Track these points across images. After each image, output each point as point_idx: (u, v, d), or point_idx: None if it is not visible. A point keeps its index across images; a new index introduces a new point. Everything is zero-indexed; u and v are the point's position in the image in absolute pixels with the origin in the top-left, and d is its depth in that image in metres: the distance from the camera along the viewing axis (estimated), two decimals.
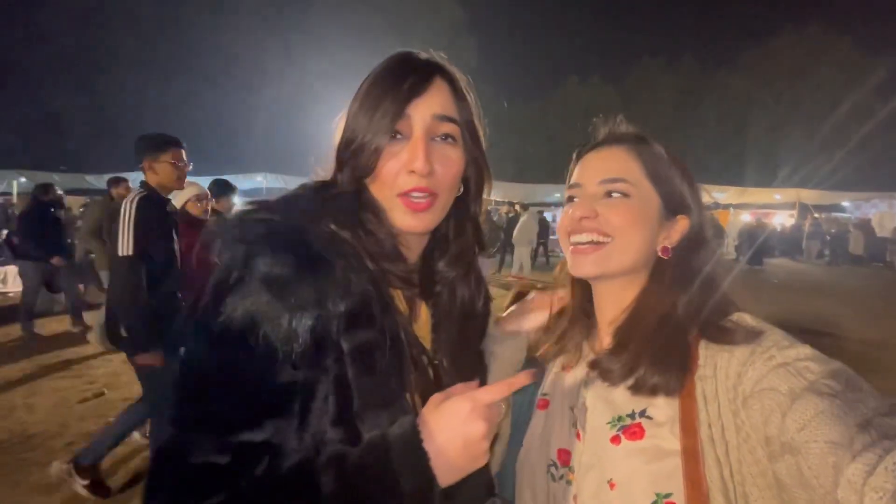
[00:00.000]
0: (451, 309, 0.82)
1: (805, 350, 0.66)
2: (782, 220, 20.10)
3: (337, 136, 0.76)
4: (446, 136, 0.74)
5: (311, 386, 0.62)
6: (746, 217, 19.07)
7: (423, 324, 0.80)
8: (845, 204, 20.25)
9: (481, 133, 0.81)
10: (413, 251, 0.79)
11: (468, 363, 0.82)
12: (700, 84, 31.15)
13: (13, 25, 24.95)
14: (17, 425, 3.69)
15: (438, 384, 0.76)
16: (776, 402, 0.61)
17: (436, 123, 0.72)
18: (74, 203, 17.77)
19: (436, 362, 0.77)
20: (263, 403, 0.60)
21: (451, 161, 0.74)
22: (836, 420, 0.55)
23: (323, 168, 0.79)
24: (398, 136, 0.72)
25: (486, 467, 0.84)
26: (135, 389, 4.28)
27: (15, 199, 13.99)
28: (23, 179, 14.98)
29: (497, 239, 11.95)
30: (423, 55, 0.76)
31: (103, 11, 26.21)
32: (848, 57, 27.87)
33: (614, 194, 0.78)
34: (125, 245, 2.48)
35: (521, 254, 11.39)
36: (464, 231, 0.83)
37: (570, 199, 0.84)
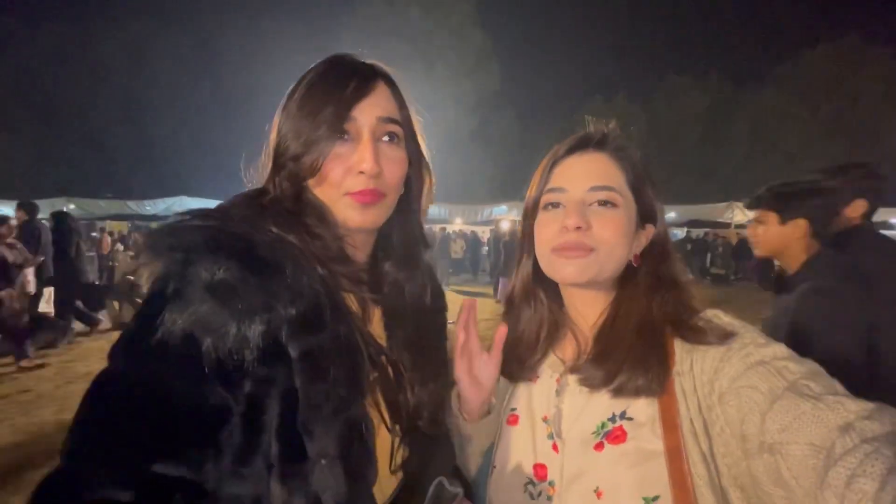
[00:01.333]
0: (403, 307, 0.82)
1: (781, 349, 0.66)
2: None
3: (272, 141, 0.75)
4: (391, 136, 0.75)
5: (259, 406, 0.58)
6: None
7: (376, 324, 0.80)
8: (894, 220, 19.19)
9: (419, 132, 0.82)
10: (360, 251, 0.78)
11: (427, 359, 0.81)
12: (730, 100, 30.55)
13: (64, 62, 27.02)
14: (45, 440, 3.80)
15: (399, 382, 0.76)
16: (755, 400, 0.62)
17: (381, 125, 0.73)
18: (118, 227, 18.76)
19: (394, 359, 0.77)
20: (188, 433, 0.53)
21: (397, 161, 0.75)
22: (818, 423, 0.56)
23: (256, 176, 0.77)
24: (345, 138, 0.72)
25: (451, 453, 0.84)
26: None
27: None
28: (72, 206, 15.95)
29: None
30: (359, 58, 0.77)
31: (149, 47, 28.17)
32: (889, 68, 26.83)
33: (604, 203, 0.77)
34: None
35: None
36: (409, 230, 0.83)
37: (551, 204, 0.81)
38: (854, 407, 0.56)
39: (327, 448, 0.60)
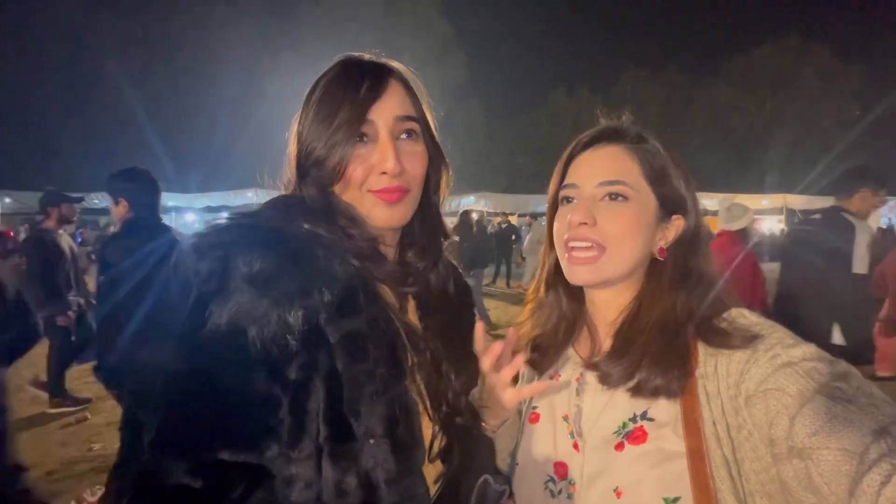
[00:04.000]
0: (431, 297, 0.84)
1: (811, 349, 0.64)
2: (771, 225, 20.38)
3: (293, 149, 0.76)
4: (409, 133, 0.76)
5: (305, 391, 0.60)
6: None
7: (412, 315, 0.82)
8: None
9: (433, 125, 0.83)
10: (391, 248, 0.81)
11: (459, 351, 0.84)
12: (685, 92, 31.73)
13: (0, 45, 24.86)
14: None
15: (438, 370, 0.78)
16: (783, 403, 0.59)
17: (398, 124, 0.74)
18: None
19: (432, 348, 0.79)
20: (245, 421, 0.58)
21: (417, 156, 0.76)
22: (850, 426, 0.53)
23: (282, 183, 0.78)
24: (364, 140, 0.73)
25: (491, 452, 0.86)
26: (118, 413, 4.16)
27: None
28: (7, 200, 14.76)
29: (490, 250, 11.94)
30: (369, 57, 0.77)
31: (93, 31, 26.25)
32: (827, 65, 28.60)
33: (615, 197, 0.76)
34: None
35: (535, 263, 11.29)
36: (429, 221, 0.85)
37: (566, 199, 0.81)
38: (889, 410, 0.54)
39: (374, 427, 0.62)
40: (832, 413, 0.55)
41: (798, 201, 18.63)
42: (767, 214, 20.57)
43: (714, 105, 30.21)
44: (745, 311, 0.73)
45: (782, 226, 19.38)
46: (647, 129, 0.82)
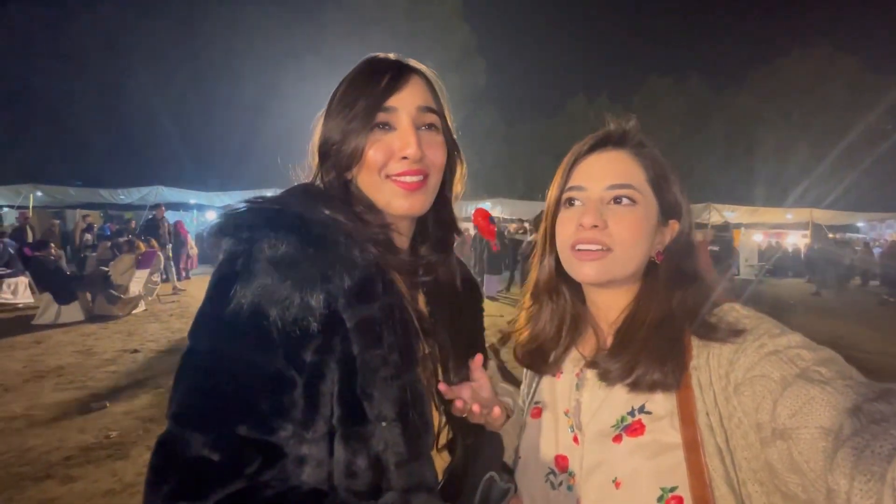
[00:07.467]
0: (441, 291, 0.85)
1: (796, 338, 0.66)
2: (795, 240, 19.85)
3: (316, 140, 0.78)
4: (430, 126, 0.78)
5: (320, 374, 0.61)
6: (759, 237, 18.83)
7: (421, 306, 0.82)
8: (860, 224, 19.97)
9: (451, 125, 0.84)
10: (404, 238, 0.81)
11: (464, 341, 0.85)
12: (708, 103, 31.24)
13: (32, 44, 25.86)
14: (14, 437, 3.66)
15: (444, 361, 0.79)
16: (768, 388, 0.62)
17: (420, 114, 0.76)
18: (92, 217, 18.06)
19: (440, 339, 0.80)
20: (262, 400, 0.58)
21: (438, 146, 0.78)
22: (827, 406, 0.55)
23: (304, 172, 0.81)
24: (385, 127, 0.75)
25: (499, 444, 0.86)
26: (136, 402, 4.28)
27: (30, 213, 14.26)
28: (39, 193, 15.30)
29: (506, 256, 11.85)
30: (394, 56, 0.79)
31: (122, 32, 27.13)
32: (856, 76, 27.85)
33: (623, 200, 0.77)
34: None
35: None
36: (442, 216, 0.86)
37: (570, 201, 0.82)
38: (863, 390, 0.56)
39: (386, 411, 0.63)
40: (810, 395, 0.57)
41: (824, 216, 18.11)
42: (792, 229, 20.06)
43: (738, 116, 29.66)
44: (736, 306, 0.75)
45: (807, 240, 18.86)
46: (664, 139, 0.83)
